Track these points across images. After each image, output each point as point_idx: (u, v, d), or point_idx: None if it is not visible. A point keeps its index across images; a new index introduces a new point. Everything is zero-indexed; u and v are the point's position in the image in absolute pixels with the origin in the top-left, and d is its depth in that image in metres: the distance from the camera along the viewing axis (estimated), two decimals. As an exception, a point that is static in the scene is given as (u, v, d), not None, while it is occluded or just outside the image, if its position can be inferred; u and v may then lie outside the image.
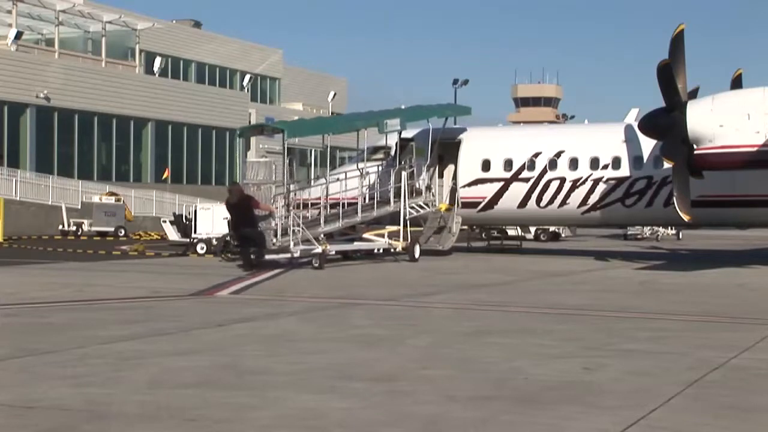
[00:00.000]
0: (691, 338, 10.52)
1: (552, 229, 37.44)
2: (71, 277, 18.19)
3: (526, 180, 27.11)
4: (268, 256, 20.79)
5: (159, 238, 34.45)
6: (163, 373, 7.93)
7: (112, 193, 41.11)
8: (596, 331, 11.08)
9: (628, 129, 26.33)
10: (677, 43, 22.21)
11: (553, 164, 26.97)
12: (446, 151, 28.09)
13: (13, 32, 46.33)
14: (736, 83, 25.56)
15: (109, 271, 19.83)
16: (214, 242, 25.23)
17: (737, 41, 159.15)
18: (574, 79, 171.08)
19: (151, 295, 14.84)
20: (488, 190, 27.43)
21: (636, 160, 26.11)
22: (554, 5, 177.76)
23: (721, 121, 21.59)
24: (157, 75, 53.87)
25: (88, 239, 35.53)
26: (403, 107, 29.23)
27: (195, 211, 27.38)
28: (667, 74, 21.75)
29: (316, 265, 20.81)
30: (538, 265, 23.49)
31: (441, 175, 28.26)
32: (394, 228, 25.28)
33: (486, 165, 27.56)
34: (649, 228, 39.77)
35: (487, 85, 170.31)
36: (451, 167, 28.08)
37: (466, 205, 27.49)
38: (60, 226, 38.91)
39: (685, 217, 22.55)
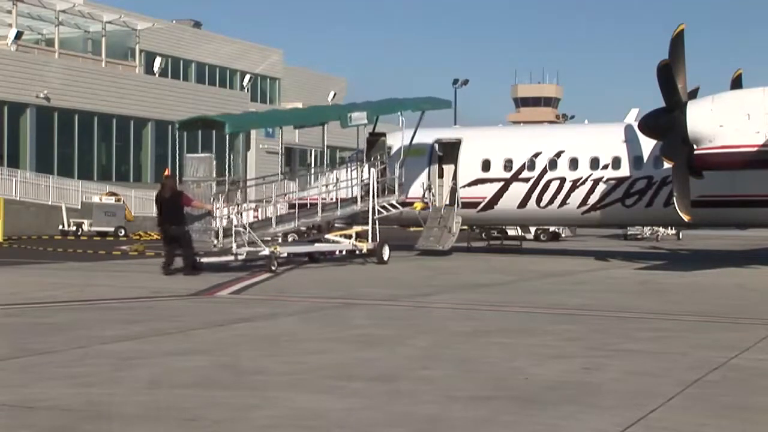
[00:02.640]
0: (690, 338, 10.52)
1: (552, 229, 37.43)
2: (71, 277, 18.19)
3: (526, 180, 27.09)
4: (208, 259, 19.75)
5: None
6: (163, 373, 7.93)
7: (112, 193, 41.10)
8: (596, 331, 11.08)
9: (628, 129, 26.31)
10: (677, 43, 22.21)
11: (553, 164, 26.96)
12: (446, 151, 28.08)
13: (13, 32, 46.33)
14: (736, 83, 25.55)
15: (109, 271, 19.83)
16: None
17: (737, 41, 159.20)
18: (574, 79, 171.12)
19: (151, 295, 14.85)
20: (488, 190, 27.42)
21: (636, 160, 26.10)
22: (554, 5, 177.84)
23: (721, 121, 21.58)
24: (157, 75, 53.85)
25: (88, 239, 35.53)
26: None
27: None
28: (667, 74, 21.75)
29: (273, 268, 19.60)
30: (538, 265, 23.49)
31: (441, 175, 28.26)
32: (362, 228, 24.19)
33: (486, 165, 27.55)
34: (649, 228, 39.75)
35: (487, 85, 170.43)
36: (451, 167, 28.07)
37: (466, 205, 27.48)
38: (60, 226, 38.91)
39: (685, 217, 22.54)
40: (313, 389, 7.33)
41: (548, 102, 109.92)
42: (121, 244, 31.71)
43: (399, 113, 27.03)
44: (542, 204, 27.01)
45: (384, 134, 27.13)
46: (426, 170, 27.81)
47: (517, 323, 11.86)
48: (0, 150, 43.32)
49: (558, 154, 27.04)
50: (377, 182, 24.92)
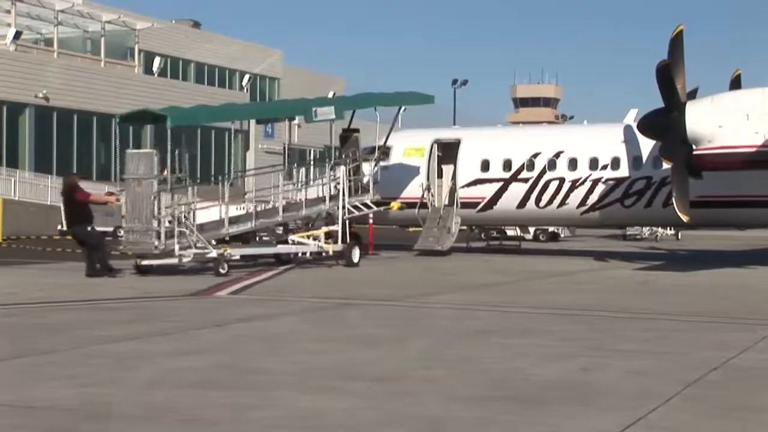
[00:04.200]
0: (690, 338, 10.53)
1: (551, 229, 37.44)
2: (70, 277, 18.14)
3: (526, 180, 27.10)
4: (151, 261, 18.82)
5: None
6: (163, 373, 7.93)
7: (110, 193, 41.04)
8: (595, 331, 11.08)
9: (627, 129, 26.32)
10: (676, 43, 22.22)
11: (552, 164, 26.97)
12: (445, 151, 28.08)
13: (12, 32, 46.31)
14: (735, 84, 25.57)
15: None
16: (213, 241, 24.96)
17: (736, 42, 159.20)
18: (574, 79, 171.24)
19: (150, 295, 14.84)
20: (487, 191, 27.42)
21: (635, 160, 26.10)
22: (553, 5, 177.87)
23: (720, 122, 21.60)
24: (156, 75, 53.83)
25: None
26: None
27: (193, 211, 27.00)
28: (666, 75, 21.77)
29: (223, 271, 18.46)
30: (537, 265, 23.49)
31: (440, 176, 28.26)
32: (330, 229, 23.07)
33: (485, 165, 27.56)
34: (648, 228, 39.77)
35: (486, 86, 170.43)
36: (450, 167, 28.07)
37: (466, 205, 27.48)
38: (59, 227, 38.85)
39: (684, 218, 22.56)
40: (313, 389, 7.33)
41: (547, 102, 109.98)
42: (119, 244, 31.64)
43: (374, 108, 25.89)
44: (541, 204, 27.01)
45: (357, 130, 26.29)
46: (425, 170, 27.78)
47: (517, 323, 11.87)
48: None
49: (557, 155, 27.05)
50: (349, 181, 23.88)
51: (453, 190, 27.75)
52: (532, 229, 35.65)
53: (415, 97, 28.48)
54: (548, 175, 26.92)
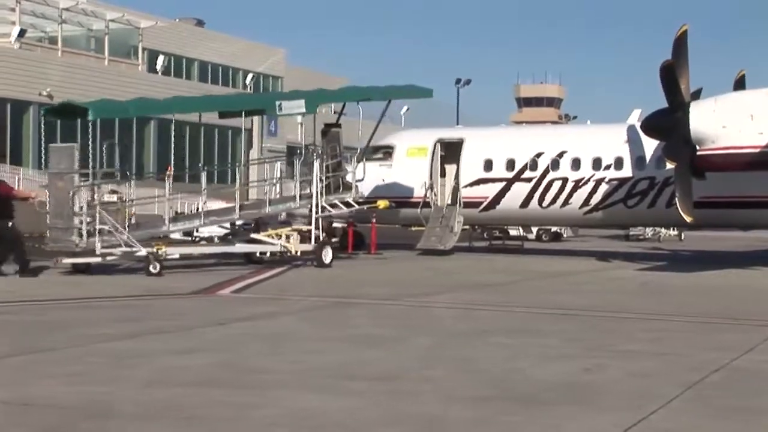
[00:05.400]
0: (692, 339, 10.49)
1: (554, 229, 37.42)
2: (70, 275, 18.14)
3: (529, 180, 27.07)
4: (72, 260, 18.15)
5: (162, 236, 34.38)
6: (163, 372, 7.91)
7: (113, 191, 41.04)
8: (597, 331, 11.05)
9: (631, 129, 26.28)
10: (680, 43, 22.17)
11: (555, 164, 26.95)
12: (448, 150, 28.06)
13: (16, 30, 46.38)
14: (739, 84, 25.52)
15: (109, 269, 19.72)
16: (216, 240, 24.95)
17: (740, 42, 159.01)
18: (577, 79, 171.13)
19: (151, 294, 14.82)
20: (490, 190, 27.40)
21: (638, 160, 26.07)
22: (557, 5, 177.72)
23: (724, 122, 21.55)
24: (159, 73, 53.84)
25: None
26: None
27: (197, 210, 26.97)
28: (670, 75, 21.72)
29: (155, 271, 17.83)
30: (539, 265, 23.46)
31: (443, 175, 28.24)
32: (297, 229, 22.49)
33: (488, 165, 27.53)
34: (651, 229, 39.72)
35: (489, 85, 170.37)
36: (453, 167, 28.06)
37: (468, 204, 27.46)
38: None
39: (688, 218, 22.51)
40: (314, 389, 7.31)
41: (551, 102, 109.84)
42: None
43: (357, 103, 24.66)
44: (544, 204, 26.98)
45: (338, 125, 25.48)
46: (428, 169, 27.73)
47: (518, 323, 11.84)
48: (2, 148, 43.33)
49: (560, 155, 27.01)
50: (324, 178, 22.85)
51: (456, 190, 27.73)
52: (534, 229, 35.64)
53: (410, 91, 27.47)
54: (551, 175, 26.89)
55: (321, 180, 22.46)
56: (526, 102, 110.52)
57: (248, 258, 21.80)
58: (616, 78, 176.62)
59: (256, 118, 53.15)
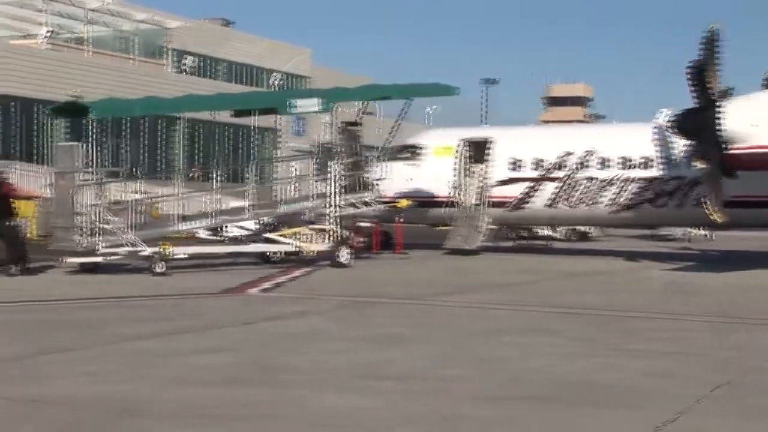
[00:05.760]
0: (718, 339, 10.40)
1: (581, 228, 37.23)
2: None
3: (556, 179, 26.97)
4: (75, 259, 18.06)
5: (189, 236, 34.54)
6: (189, 371, 7.94)
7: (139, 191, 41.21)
8: (621, 331, 10.98)
9: (659, 129, 26.12)
10: (709, 42, 21.97)
11: (582, 164, 26.83)
12: (476, 150, 27.98)
13: (44, 31, 46.74)
14: (769, 83, 25.25)
15: (138, 269, 19.76)
16: (241, 238, 24.88)
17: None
18: (605, 78, 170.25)
19: (180, 293, 14.87)
20: (517, 190, 27.31)
21: (667, 160, 25.90)
22: (585, 4, 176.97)
23: (755, 121, 21.34)
24: (187, 74, 54.08)
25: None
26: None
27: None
28: (699, 74, 21.54)
29: (160, 270, 17.76)
30: (566, 265, 23.35)
31: (470, 174, 28.15)
32: (313, 228, 22.07)
33: (515, 164, 27.45)
34: (680, 228, 39.42)
35: (517, 85, 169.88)
36: (480, 166, 27.97)
37: (495, 204, 27.38)
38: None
39: (717, 218, 22.31)
40: (336, 388, 7.31)
41: (578, 101, 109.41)
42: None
43: (374, 102, 24.23)
44: (572, 204, 26.87)
45: (357, 123, 24.83)
46: (454, 169, 27.65)
47: (541, 323, 11.78)
48: (31, 148, 43.67)
49: (588, 154, 26.89)
50: (343, 177, 22.50)
51: (482, 189, 27.64)
52: (562, 229, 35.48)
53: (434, 89, 26.39)
54: (579, 175, 26.77)
55: (338, 179, 22.14)
56: (553, 101, 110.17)
57: (264, 258, 21.56)
58: (644, 77, 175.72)
59: (283, 118, 53.25)
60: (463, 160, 27.85)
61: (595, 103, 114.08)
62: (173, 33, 54.61)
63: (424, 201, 27.42)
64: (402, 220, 27.03)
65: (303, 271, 19.42)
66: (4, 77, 42.83)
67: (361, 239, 26.49)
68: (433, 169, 27.76)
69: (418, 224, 29.33)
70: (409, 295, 15.11)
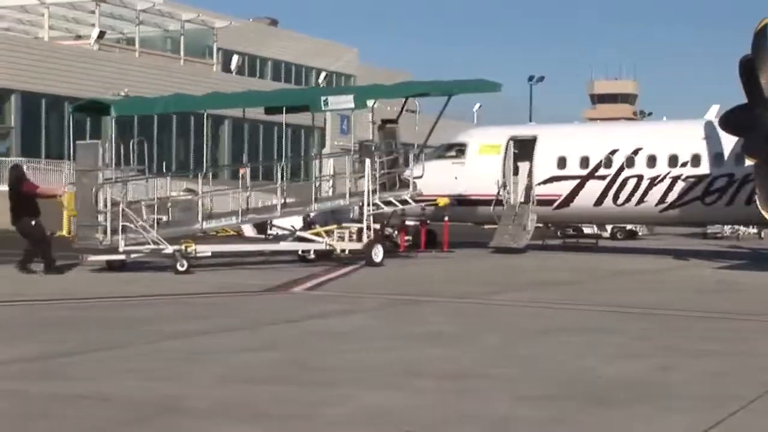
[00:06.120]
0: (770, 340, 10.26)
1: (629, 227, 36.95)
2: (145, 272, 18.41)
3: (603, 177, 26.78)
4: (97, 257, 18.03)
5: (235, 234, 34.80)
6: (235, 368, 7.99)
7: (189, 190, 41.59)
8: (671, 330, 10.87)
9: (709, 126, 25.82)
10: (760, 37, 21.67)
11: (630, 161, 26.62)
12: (521, 148, 27.88)
13: (95, 32, 47.40)
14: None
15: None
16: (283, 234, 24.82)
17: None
18: (653, 74, 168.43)
19: (225, 291, 14.99)
20: (564, 188, 27.16)
21: (716, 157, 25.60)
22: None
23: (806, 118, 21.02)
24: (234, 73, 54.46)
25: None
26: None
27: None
28: (750, 70, 21.25)
29: (182, 268, 17.64)
30: (613, 263, 23.16)
31: (516, 173, 28.06)
32: (347, 226, 21.83)
33: (562, 162, 27.30)
34: (729, 226, 38.95)
35: (563, 82, 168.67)
36: (526, 164, 27.86)
37: (542, 202, 27.26)
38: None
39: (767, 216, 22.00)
40: (383, 386, 7.32)
41: (625, 98, 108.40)
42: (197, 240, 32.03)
43: (412, 98, 23.75)
44: (619, 202, 26.67)
45: (395, 121, 24.75)
46: (500, 167, 27.56)
47: (589, 322, 11.70)
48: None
49: (635, 152, 26.68)
50: (383, 175, 22.36)
51: (529, 188, 27.53)
52: (609, 227, 35.24)
53: (475, 85, 25.77)
54: (626, 173, 26.57)
55: (374, 177, 21.87)
56: (599, 98, 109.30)
57: (301, 256, 21.35)
58: (693, 73, 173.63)
59: (328, 117, 53.41)
60: (509, 158, 27.77)
61: (642, 99, 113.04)
62: (220, 33, 55.02)
63: (469, 199, 27.38)
64: (448, 218, 27.01)
65: (346, 269, 19.44)
66: (57, 78, 43.49)
67: (407, 237, 26.54)
68: (478, 167, 27.70)
69: (465, 222, 29.29)
70: (456, 293, 15.09)
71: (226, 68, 54.96)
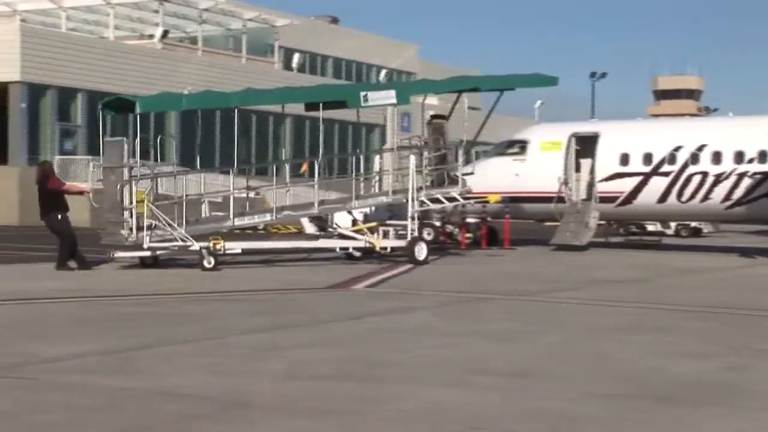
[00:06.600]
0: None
1: (693, 224, 36.45)
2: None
3: (667, 174, 26.46)
4: (124, 254, 18.09)
5: (296, 231, 35.00)
6: (299, 364, 8.06)
7: (251, 188, 41.89)
8: (739, 330, 10.71)
9: (776, 121, 25.37)
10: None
11: (695, 158, 26.27)
12: (583, 144, 27.66)
13: (159, 31, 48.06)
14: None
15: (245, 263, 20.13)
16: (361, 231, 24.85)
17: None
18: (718, 69, 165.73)
19: (288, 288, 15.10)
20: (627, 185, 26.90)
21: (785, 153, 25.15)
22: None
23: None
24: (295, 71, 54.80)
25: (228, 231, 36.34)
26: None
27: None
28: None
29: (209, 265, 17.60)
30: (678, 261, 22.88)
31: (578, 169, 27.84)
32: (393, 223, 21.43)
33: (624, 159, 27.03)
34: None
35: (625, 78, 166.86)
36: (588, 161, 27.64)
37: (604, 199, 27.02)
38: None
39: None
40: (445, 383, 7.33)
41: (690, 94, 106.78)
42: (258, 237, 32.30)
43: (457, 93, 22.98)
44: (683, 199, 26.34)
45: (444, 117, 24.15)
46: (562, 164, 27.36)
47: (654, 320, 11.57)
48: (146, 145, 44.87)
49: (700, 148, 26.32)
50: (432, 171, 22.00)
51: (591, 185, 27.30)
52: (673, 224, 34.81)
53: (530, 80, 24.66)
54: (691, 169, 26.23)
55: (420, 173, 21.41)
56: (663, 94, 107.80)
57: (349, 254, 20.99)
58: (760, 68, 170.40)
59: (389, 114, 53.47)
60: (571, 154, 27.56)
61: (707, 95, 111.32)
62: (282, 31, 55.39)
63: (531, 196, 27.24)
64: (508, 215, 26.91)
65: (405, 267, 19.44)
66: (122, 77, 44.15)
67: (468, 235, 26.50)
68: (540, 164, 27.53)
69: (527, 220, 29.15)
70: (517, 290, 15.04)
71: (287, 67, 55.33)
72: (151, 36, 49.53)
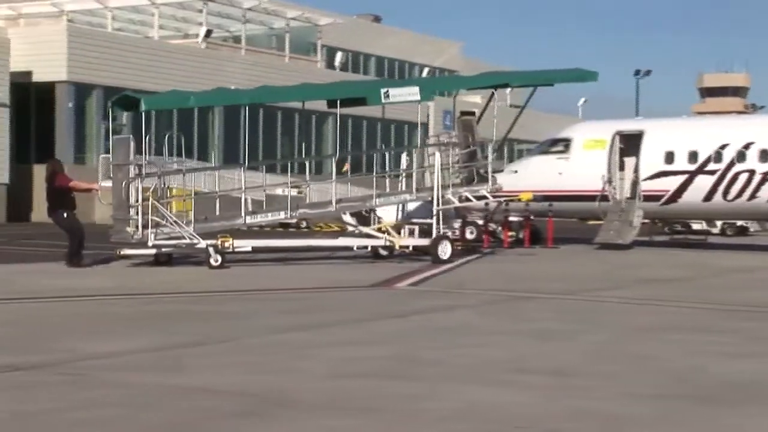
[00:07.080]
0: None
1: (739, 223, 36.03)
2: (254, 267, 18.71)
3: (712, 173, 26.18)
4: (130, 251, 18.12)
5: (339, 229, 35.11)
6: (342, 362, 8.09)
7: (295, 186, 42.07)
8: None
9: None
10: None
11: (741, 156, 25.97)
12: (627, 143, 27.44)
13: (203, 31, 48.48)
14: None
15: (287, 261, 20.22)
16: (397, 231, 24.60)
17: None
18: (765, 67, 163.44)
19: (331, 286, 15.16)
20: (671, 183, 26.65)
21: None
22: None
23: None
24: (338, 70, 54.93)
25: (270, 230, 36.56)
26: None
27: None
28: None
29: (215, 263, 17.47)
30: (724, 260, 22.63)
31: (622, 168, 27.62)
32: (417, 222, 20.99)
33: (669, 157, 26.78)
34: None
35: (670, 76, 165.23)
36: (632, 159, 27.41)
37: (648, 198, 26.79)
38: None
39: None
40: (489, 382, 7.32)
41: (736, 92, 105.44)
42: (302, 235, 32.49)
43: (491, 90, 22.33)
44: (729, 197, 26.05)
45: (473, 113, 23.46)
46: (606, 162, 27.16)
47: (699, 320, 11.47)
48: (189, 143, 45.22)
49: (747, 146, 26.02)
50: (462, 169, 21.63)
51: (635, 183, 27.08)
52: (719, 223, 34.42)
53: (564, 75, 23.47)
54: (737, 168, 25.93)
55: (439, 171, 20.60)
56: (709, 92, 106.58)
57: (375, 252, 20.69)
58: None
59: (431, 113, 53.44)
60: (614, 152, 27.35)
61: (754, 92, 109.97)
62: (324, 30, 55.57)
63: (574, 195, 27.08)
64: (552, 214, 26.77)
65: (453, 265, 19.41)
66: (166, 77, 44.55)
67: (511, 233, 26.42)
68: (583, 162, 27.35)
69: (570, 218, 28.99)
70: (560, 289, 14.97)
71: (330, 65, 55.50)
72: (195, 35, 49.96)
